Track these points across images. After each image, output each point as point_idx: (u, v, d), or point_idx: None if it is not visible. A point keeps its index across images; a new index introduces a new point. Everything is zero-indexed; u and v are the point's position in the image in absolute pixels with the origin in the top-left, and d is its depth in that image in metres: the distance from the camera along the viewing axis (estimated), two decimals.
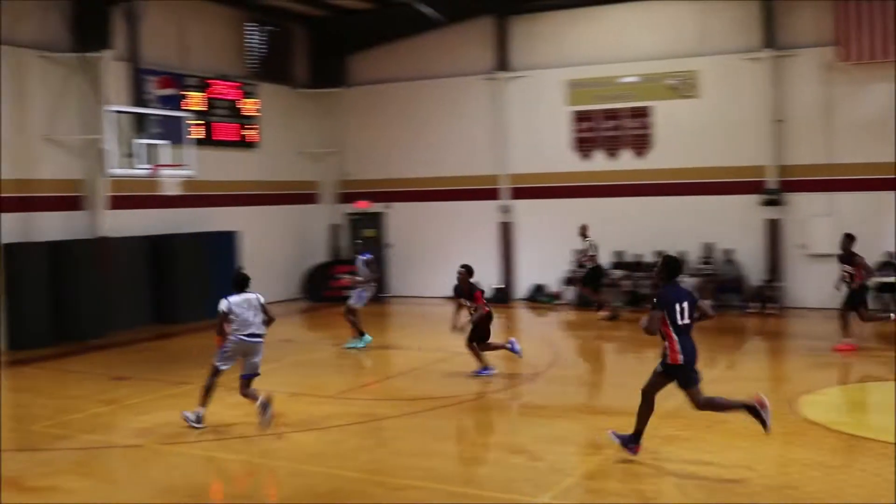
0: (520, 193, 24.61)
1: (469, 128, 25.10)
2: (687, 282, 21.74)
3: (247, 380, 11.44)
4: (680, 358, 9.16)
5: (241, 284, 11.51)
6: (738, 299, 21.80)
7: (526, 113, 24.41)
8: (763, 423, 9.16)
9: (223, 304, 11.24)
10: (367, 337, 17.41)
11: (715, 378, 14.15)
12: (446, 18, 24.32)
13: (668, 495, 8.67)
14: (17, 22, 18.57)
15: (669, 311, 9.15)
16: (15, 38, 18.60)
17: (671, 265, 9.59)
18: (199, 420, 11.42)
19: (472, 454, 10.15)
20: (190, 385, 14.03)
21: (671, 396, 12.54)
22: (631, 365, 16.35)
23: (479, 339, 14.52)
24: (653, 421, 11.03)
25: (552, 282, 24.09)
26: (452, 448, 10.45)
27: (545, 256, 24.10)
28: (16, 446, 11.25)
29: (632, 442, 9.61)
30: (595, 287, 21.28)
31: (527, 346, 18.57)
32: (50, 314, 18.45)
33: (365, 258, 17.74)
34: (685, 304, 9.24)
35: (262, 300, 11.51)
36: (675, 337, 9.16)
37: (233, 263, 22.57)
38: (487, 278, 24.63)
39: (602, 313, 20.70)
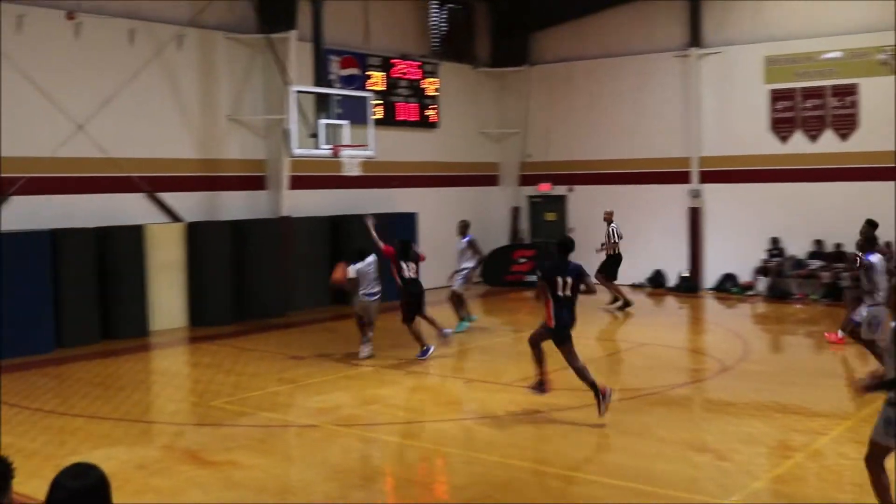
0: (710, 177, 23.43)
1: (658, 107, 24.12)
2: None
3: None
4: (553, 322, 10.66)
5: (360, 255, 14.71)
6: None
7: (719, 91, 23.23)
8: (598, 406, 10.61)
9: (351, 271, 14.55)
10: (465, 323, 17.29)
11: None
12: None
13: None
14: (206, 5, 18.96)
15: (551, 282, 10.61)
16: (203, 21, 19.04)
17: (564, 244, 11.03)
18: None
19: (654, 450, 9.63)
20: (366, 367, 14.07)
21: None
22: (827, 362, 15.15)
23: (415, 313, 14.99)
24: (852, 424, 10.27)
25: (743, 272, 22.81)
26: (633, 443, 9.98)
27: (736, 245, 22.87)
28: (197, 420, 11.46)
29: (539, 388, 11.27)
30: (609, 275, 20.18)
31: (714, 339, 17.80)
32: (231, 292, 18.80)
33: (468, 240, 17.82)
34: (568, 279, 10.61)
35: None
36: (552, 304, 10.63)
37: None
38: (674, 266, 23.66)
39: (614, 304, 19.86)
